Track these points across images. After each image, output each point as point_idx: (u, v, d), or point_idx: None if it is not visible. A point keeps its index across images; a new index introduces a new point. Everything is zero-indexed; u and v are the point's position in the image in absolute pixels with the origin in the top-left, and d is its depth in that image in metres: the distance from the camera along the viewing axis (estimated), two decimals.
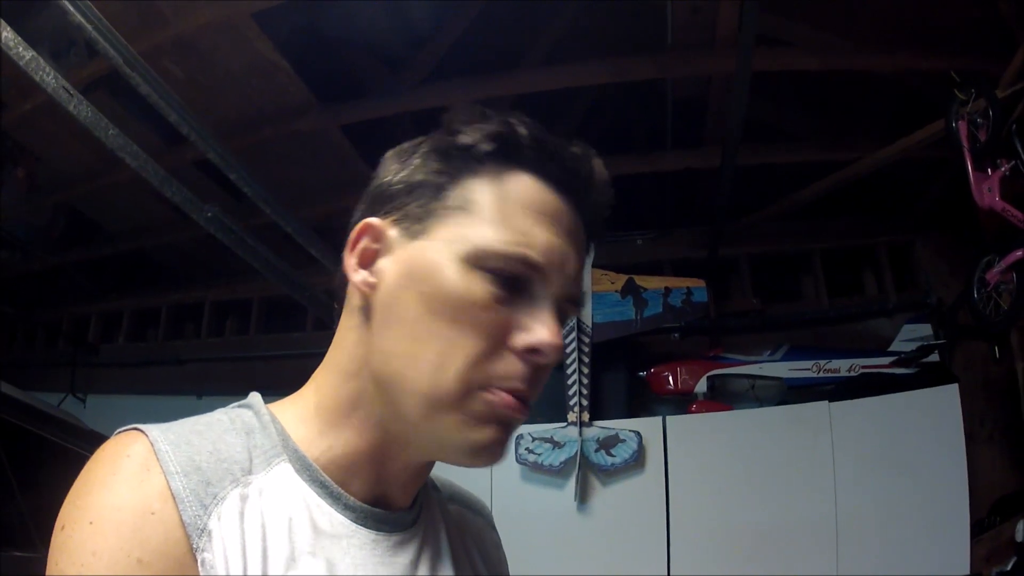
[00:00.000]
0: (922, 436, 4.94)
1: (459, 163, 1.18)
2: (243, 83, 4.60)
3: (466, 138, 1.18)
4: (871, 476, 4.97)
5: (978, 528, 4.73)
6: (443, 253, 1.14)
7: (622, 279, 5.76)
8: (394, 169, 1.24)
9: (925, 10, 4.24)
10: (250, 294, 6.88)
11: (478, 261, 1.13)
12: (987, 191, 3.90)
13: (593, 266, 5.68)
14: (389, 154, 1.27)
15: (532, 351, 1.13)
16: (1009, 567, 4.34)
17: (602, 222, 1.26)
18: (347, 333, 1.24)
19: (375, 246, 1.21)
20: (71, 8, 3.18)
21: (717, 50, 4.59)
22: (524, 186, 1.17)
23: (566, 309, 1.18)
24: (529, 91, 4.91)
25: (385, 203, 1.22)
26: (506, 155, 1.17)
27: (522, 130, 1.18)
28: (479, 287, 1.12)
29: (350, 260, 1.22)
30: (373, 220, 1.22)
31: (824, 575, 4.84)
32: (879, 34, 4.53)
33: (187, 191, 4.07)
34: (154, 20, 4.03)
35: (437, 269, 1.14)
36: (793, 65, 4.68)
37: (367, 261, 1.21)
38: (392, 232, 1.20)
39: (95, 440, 4.17)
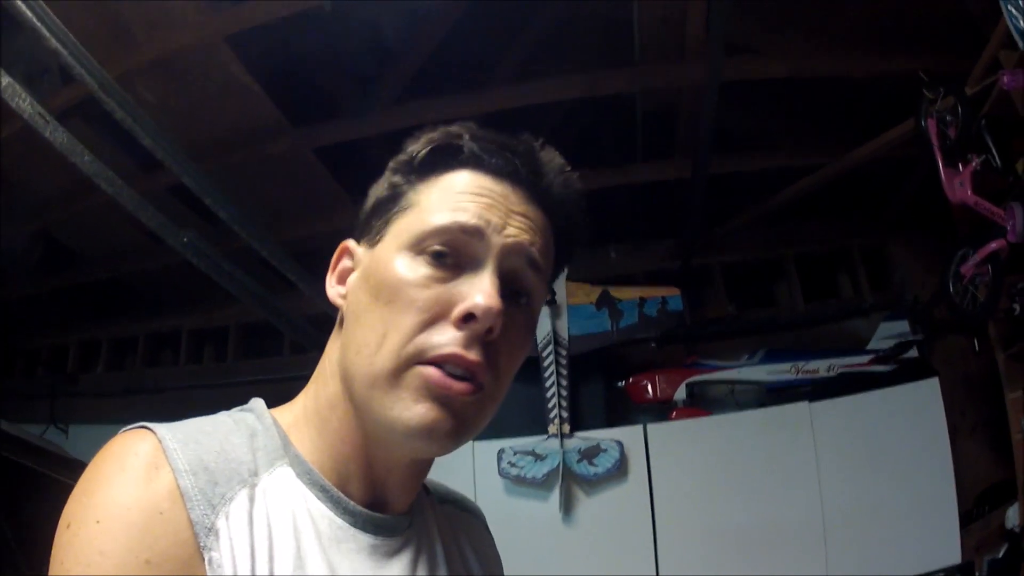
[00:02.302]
0: (905, 431, 5.00)
1: (408, 173, 1.27)
2: (216, 106, 4.60)
3: (411, 149, 1.28)
4: (856, 474, 5.01)
5: (966, 519, 4.77)
6: (389, 248, 1.22)
7: (597, 291, 5.80)
8: (368, 195, 1.33)
9: (891, 10, 4.29)
10: (227, 320, 6.84)
11: (417, 245, 1.18)
12: (959, 186, 3.94)
13: (567, 279, 5.71)
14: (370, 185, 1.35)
15: (467, 317, 1.14)
16: (1000, 554, 4.37)
17: (570, 206, 1.30)
18: (329, 344, 1.31)
19: (349, 264, 1.31)
20: (46, 33, 3.17)
21: (686, 60, 4.63)
22: (462, 177, 1.23)
23: (525, 278, 1.22)
24: (500, 108, 4.91)
25: (360, 227, 1.32)
26: (446, 156, 1.24)
27: (461, 133, 1.25)
28: (415, 268, 1.17)
29: (329, 279, 1.32)
30: (349, 242, 1.33)
31: (813, 575, 4.85)
32: (846, 37, 4.58)
33: (163, 216, 4.06)
34: (127, 44, 4.03)
35: (384, 263, 1.21)
36: (761, 73, 4.75)
37: (343, 279, 1.30)
38: (359, 249, 1.30)
39: (80, 469, 4.17)
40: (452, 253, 1.17)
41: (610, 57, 4.90)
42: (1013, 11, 3.38)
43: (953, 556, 4.66)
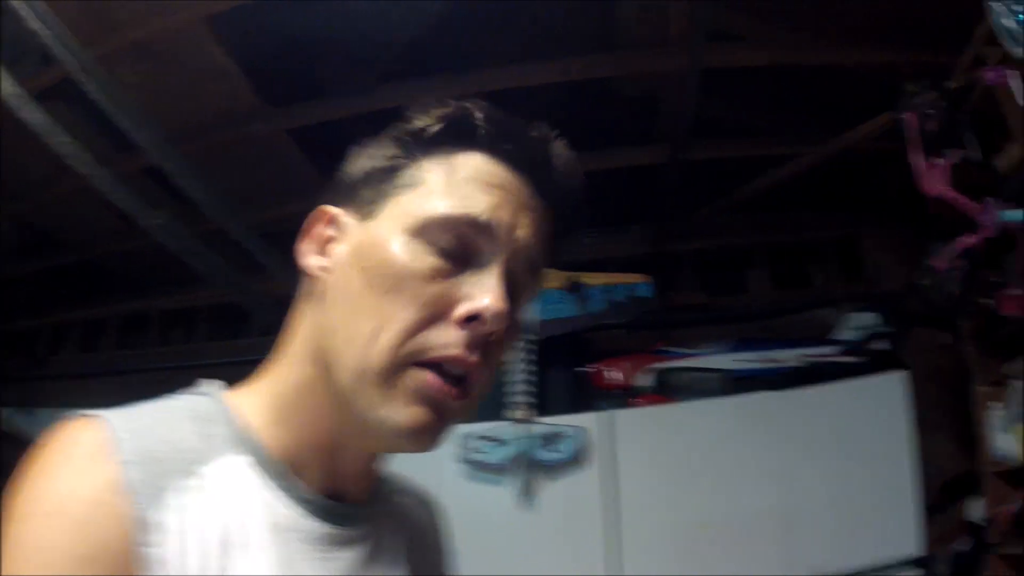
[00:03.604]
0: (872, 423, 5.03)
1: (411, 146, 1.21)
2: (195, 88, 4.55)
3: (418, 122, 1.22)
4: (822, 465, 5.03)
5: (931, 511, 4.81)
6: (389, 228, 1.16)
7: (566, 276, 5.75)
8: (354, 160, 1.27)
9: (877, 3, 4.29)
10: (197, 302, 6.78)
11: (422, 232, 1.14)
12: (936, 180, 3.96)
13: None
14: (354, 148, 1.29)
15: (472, 318, 1.11)
16: (963, 546, 4.42)
17: (574, 203, 1.27)
18: (300, 320, 1.26)
19: (329, 232, 1.24)
20: (29, 13, 3.13)
21: (668, 47, 4.61)
22: (474, 162, 1.19)
23: (523, 279, 1.18)
24: (481, 91, 4.82)
25: (343, 192, 1.25)
26: (457, 136, 1.20)
27: (476, 112, 1.21)
28: (420, 258, 1.13)
29: (305, 246, 1.25)
30: (327, 207, 1.25)
31: (778, 564, 4.87)
32: (830, 28, 4.58)
33: (137, 198, 4.02)
34: (107, 25, 3.97)
35: (382, 244, 1.15)
36: (743, 61, 4.74)
37: (322, 248, 1.24)
38: (347, 218, 1.23)
39: None
40: (459, 246, 1.13)
41: (591, 42, 4.88)
42: (996, 8, 3.40)
43: (916, 548, 4.72)
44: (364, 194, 1.21)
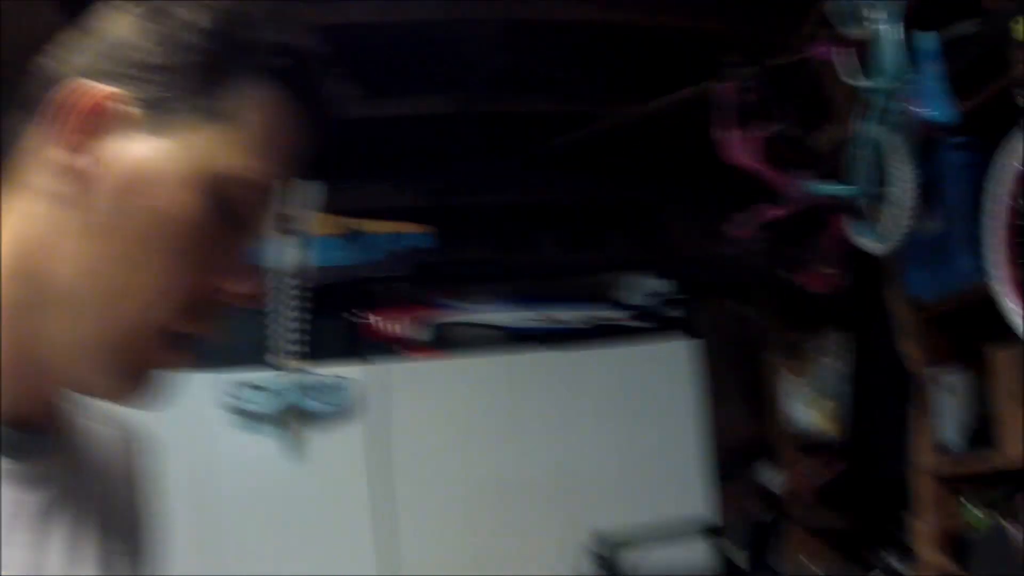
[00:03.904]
0: (659, 387, 5.14)
1: (241, 63, 0.98)
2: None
3: (260, 38, 1.00)
4: (606, 426, 5.11)
5: (722, 478, 4.90)
6: (186, 167, 0.95)
7: (347, 222, 5.57)
8: (144, 33, 0.97)
9: None
10: None
11: (223, 186, 0.96)
12: (746, 151, 3.98)
13: (317, 208, 5.47)
14: (130, 6, 0.99)
15: (239, 295, 1.02)
16: (762, 516, 4.50)
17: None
18: (13, 220, 0.98)
19: (96, 124, 0.94)
20: None
21: None
22: (291, 119, 1.02)
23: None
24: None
25: (108, 69, 0.96)
26: (295, 75, 1.01)
27: (315, 53, 1.05)
28: (213, 218, 0.97)
29: (64, 130, 0.94)
30: (105, 91, 0.94)
31: (559, 525, 4.92)
32: None
33: None
34: None
35: (177, 187, 0.95)
36: (555, 16, 4.64)
37: (79, 140, 0.94)
38: (128, 111, 0.95)
39: None
40: (245, 211, 0.99)
41: None
42: None
43: (704, 511, 4.87)
44: (158, 92, 0.95)
